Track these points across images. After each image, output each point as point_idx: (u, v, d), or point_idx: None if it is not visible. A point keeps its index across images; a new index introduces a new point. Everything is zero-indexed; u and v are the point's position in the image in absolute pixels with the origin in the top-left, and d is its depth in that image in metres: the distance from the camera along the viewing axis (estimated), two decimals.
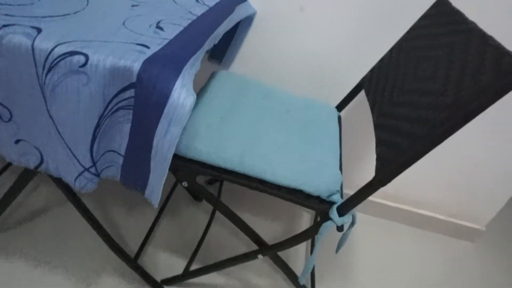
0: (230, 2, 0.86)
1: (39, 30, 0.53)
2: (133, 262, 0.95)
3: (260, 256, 0.88)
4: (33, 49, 0.52)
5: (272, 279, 1.06)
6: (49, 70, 0.52)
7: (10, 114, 0.58)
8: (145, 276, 0.97)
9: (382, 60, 0.92)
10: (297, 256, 1.15)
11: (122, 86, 0.54)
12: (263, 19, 1.01)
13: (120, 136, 0.59)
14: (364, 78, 0.96)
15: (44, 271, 0.95)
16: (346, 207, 0.71)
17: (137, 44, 0.57)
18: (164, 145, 0.55)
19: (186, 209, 1.22)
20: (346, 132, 1.13)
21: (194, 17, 0.72)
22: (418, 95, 0.68)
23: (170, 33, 0.63)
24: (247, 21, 0.98)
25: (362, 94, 0.98)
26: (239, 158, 0.73)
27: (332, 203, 0.75)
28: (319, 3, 0.96)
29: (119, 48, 0.54)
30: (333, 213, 0.72)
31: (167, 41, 0.60)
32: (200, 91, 0.89)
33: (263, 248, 0.87)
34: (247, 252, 0.88)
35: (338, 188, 0.75)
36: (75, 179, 0.62)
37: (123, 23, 0.62)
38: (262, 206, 1.30)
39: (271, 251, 0.87)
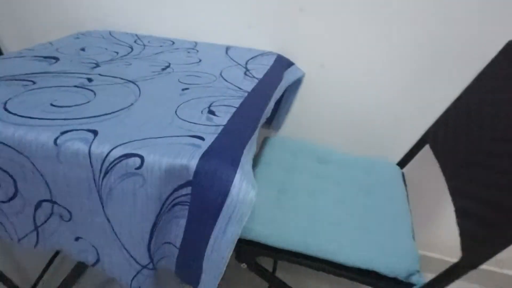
0: (279, 69, 0.84)
1: (95, 133, 0.53)
2: None
3: None
4: (90, 155, 0.51)
5: None
6: (106, 173, 0.51)
7: (70, 214, 0.58)
8: None
9: (448, 112, 0.83)
10: None
11: (178, 183, 0.51)
12: (309, 77, 0.98)
13: (177, 229, 0.57)
14: (428, 132, 0.88)
15: None
16: None
17: (191, 136, 0.55)
18: (222, 245, 0.51)
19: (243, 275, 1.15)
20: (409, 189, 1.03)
21: (245, 94, 0.70)
22: (503, 157, 0.59)
23: (223, 117, 0.61)
24: (296, 83, 0.95)
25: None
26: (303, 239, 0.67)
27: (411, 284, 0.65)
28: (373, 51, 0.91)
29: (174, 144, 0.52)
30: None
31: (221, 128, 0.57)
32: (254, 162, 0.86)
33: None
34: None
35: (418, 268, 0.65)
36: (132, 279, 0.60)
37: (175, 112, 0.61)
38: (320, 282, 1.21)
39: None
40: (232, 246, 0.51)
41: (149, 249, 0.56)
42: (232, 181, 0.49)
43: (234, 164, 0.50)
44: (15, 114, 0.57)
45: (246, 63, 0.86)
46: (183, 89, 0.71)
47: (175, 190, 0.52)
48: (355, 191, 0.82)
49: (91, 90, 0.66)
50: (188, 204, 0.53)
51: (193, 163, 0.49)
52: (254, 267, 0.73)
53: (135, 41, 0.96)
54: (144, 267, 0.58)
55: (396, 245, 0.70)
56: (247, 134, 0.56)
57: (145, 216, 0.52)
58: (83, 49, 0.87)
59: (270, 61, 0.88)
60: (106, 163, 0.51)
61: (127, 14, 1.04)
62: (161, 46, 0.94)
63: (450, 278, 0.59)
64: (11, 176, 0.57)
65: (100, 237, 0.58)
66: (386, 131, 1.01)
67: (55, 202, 0.57)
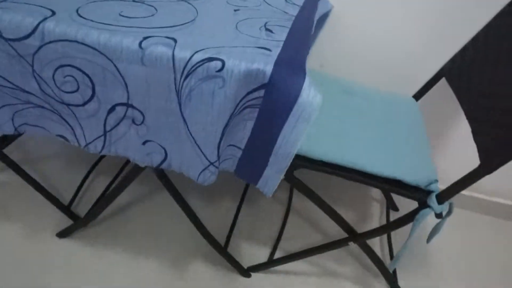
0: (313, 0, 0.89)
1: (175, 40, 0.58)
2: (224, 250, 1.01)
3: (351, 244, 0.91)
4: (173, 58, 0.56)
5: (351, 267, 1.10)
6: (187, 76, 0.57)
7: (143, 117, 0.64)
8: (234, 263, 1.03)
9: (465, 49, 0.92)
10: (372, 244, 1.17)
11: (252, 87, 0.58)
12: (335, 11, 1.03)
13: (243, 132, 0.64)
14: (445, 67, 0.96)
15: (140, 260, 1.03)
16: (446, 195, 0.73)
17: (259, 47, 0.61)
18: (290, 140, 0.59)
19: (262, 200, 1.26)
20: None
21: (292, 17, 0.76)
22: None
23: (280, 34, 0.67)
24: (323, 16, 1.00)
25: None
26: (340, 152, 0.76)
27: (430, 191, 0.76)
28: None
29: (247, 52, 0.58)
30: (432, 201, 0.74)
31: (282, 42, 0.63)
32: None
33: (354, 235, 0.90)
34: (339, 240, 0.92)
35: (436, 178, 0.77)
36: (200, 174, 0.68)
37: (236, 28, 0.66)
38: (332, 198, 1.33)
39: (361, 238, 0.90)
40: (299, 142, 0.59)
41: (218, 148, 0.64)
42: (302, 85, 0.56)
43: (303, 71, 0.57)
44: (91, 20, 0.61)
45: None
46: (235, 10, 0.75)
47: (249, 93, 0.58)
48: (378, 118, 0.91)
49: (151, 6, 0.70)
50: (258, 106, 0.60)
51: (269, 68, 0.56)
52: (291, 179, 0.82)
53: None
54: (211, 163, 0.66)
55: (417, 159, 0.80)
56: (305, 48, 0.63)
57: (220, 115, 0.59)
58: None
59: None
60: (189, 66, 0.56)
61: None
62: None
63: (468, 183, 0.70)
64: (90, 79, 0.62)
65: (171, 136, 0.65)
66: (404, 68, 1.09)
67: (130, 105, 0.63)
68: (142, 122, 0.65)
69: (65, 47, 0.59)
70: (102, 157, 1.31)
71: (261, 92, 0.58)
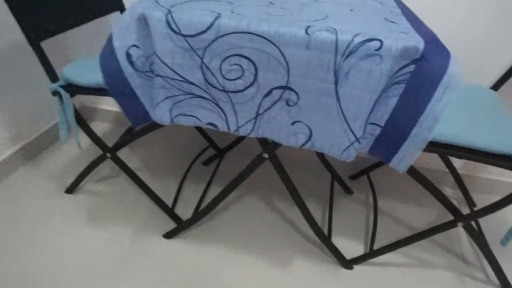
0: None
1: (333, 28, 0.68)
2: (329, 240, 1.07)
3: (460, 224, 0.96)
4: (337, 41, 0.66)
5: (446, 257, 1.14)
6: (348, 55, 0.67)
7: (298, 98, 0.73)
8: (338, 254, 1.07)
9: None
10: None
11: (404, 63, 0.67)
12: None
13: (384, 108, 0.72)
14: None
15: (239, 256, 1.09)
16: None
17: (399, 32, 0.70)
18: (437, 110, 0.67)
19: (341, 201, 1.33)
20: None
21: (399, 13, 0.87)
22: None
23: (404, 24, 0.77)
24: None
25: None
26: (454, 132, 0.82)
27: None
28: None
29: (394, 35, 0.67)
30: None
31: (411, 29, 0.73)
32: None
33: (461, 216, 0.95)
34: (447, 222, 0.97)
35: None
36: (344, 151, 0.75)
37: (366, 21, 0.77)
38: (399, 194, 1.38)
39: (470, 218, 0.95)
40: (444, 110, 0.67)
41: (366, 123, 0.72)
42: (449, 57, 0.65)
43: (445, 47, 0.66)
44: (250, 17, 0.71)
45: None
46: (351, 10, 0.86)
47: (400, 69, 0.67)
48: (467, 107, 0.99)
49: (283, 8, 0.81)
50: (405, 82, 0.69)
51: (421, 44, 0.65)
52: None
53: None
54: (357, 139, 0.73)
55: None
56: (432, 34, 0.72)
57: (374, 90, 0.68)
58: None
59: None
60: (351, 47, 0.66)
61: None
62: None
63: None
64: (255, 66, 0.71)
65: (320, 116, 0.73)
66: (479, 59, 1.17)
67: (288, 87, 0.72)
68: (296, 103, 0.74)
69: (237, 39, 0.69)
70: (191, 165, 1.39)
71: (411, 68, 0.67)
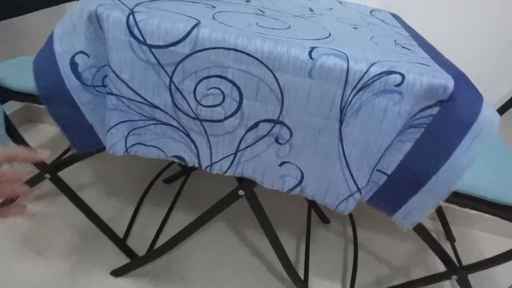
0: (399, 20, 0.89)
1: (343, 53, 0.53)
2: (306, 286, 0.93)
3: (454, 277, 0.86)
4: (348, 70, 0.52)
5: None
6: (360, 89, 0.52)
7: (290, 135, 0.58)
8: None
9: None
10: None
11: (428, 103, 0.54)
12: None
13: (394, 155, 0.59)
14: None
15: None
16: None
17: (420, 63, 0.57)
18: (461, 162, 0.55)
19: (318, 232, 1.20)
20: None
21: (407, 34, 0.74)
22: None
23: (418, 51, 0.64)
24: None
25: None
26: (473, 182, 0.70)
27: None
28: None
29: (416, 68, 0.54)
30: None
31: (429, 60, 0.60)
32: None
33: (455, 268, 0.85)
34: (440, 273, 0.87)
35: None
36: (341, 202, 0.61)
37: (376, 44, 0.63)
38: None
39: (463, 272, 0.85)
40: (471, 164, 0.55)
41: (372, 171, 0.58)
42: (482, 101, 0.52)
43: (475, 87, 0.54)
44: (239, 28, 0.55)
45: (371, 12, 0.90)
46: (354, 28, 0.72)
47: (421, 110, 0.54)
48: None
49: (275, 18, 0.66)
50: (424, 126, 0.56)
51: (451, 83, 0.52)
52: None
53: None
54: (358, 190, 0.60)
55: None
56: (458, 70, 0.60)
57: (387, 134, 0.54)
58: None
59: (389, 15, 0.93)
60: (365, 78, 0.52)
61: None
62: None
63: None
64: (240, 91, 0.56)
65: (315, 158, 0.59)
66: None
67: (280, 122, 0.57)
68: (287, 141, 0.59)
69: (219, 56, 0.53)
70: (151, 184, 1.20)
71: (434, 110, 0.54)
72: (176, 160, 0.64)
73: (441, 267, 1.08)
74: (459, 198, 0.68)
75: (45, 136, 1.38)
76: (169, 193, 1.21)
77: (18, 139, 0.83)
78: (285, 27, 0.62)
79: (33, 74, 0.58)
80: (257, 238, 1.12)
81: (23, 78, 0.77)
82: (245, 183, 0.73)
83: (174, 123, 0.60)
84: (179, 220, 1.11)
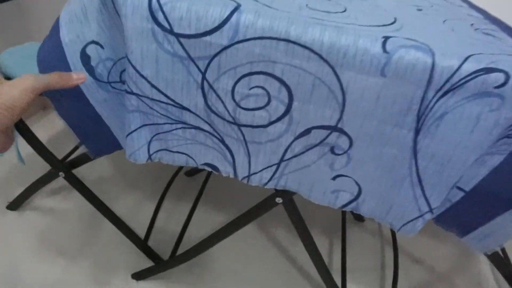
0: None
1: (426, 45, 0.41)
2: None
3: None
4: (433, 67, 0.40)
5: None
6: (447, 92, 0.41)
7: (350, 145, 0.47)
8: None
9: None
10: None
11: None
12: None
13: (476, 169, 0.48)
14: None
15: None
16: None
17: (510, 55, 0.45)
18: None
19: (352, 231, 1.10)
20: None
21: (481, 16, 0.61)
22: None
23: (505, 39, 0.51)
24: None
25: None
26: None
27: None
28: None
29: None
30: None
31: None
32: None
33: None
34: None
35: None
36: (407, 222, 0.51)
37: (453, 30, 0.51)
38: None
39: None
40: None
41: (450, 190, 0.47)
42: None
43: None
44: (284, 11, 0.44)
45: None
46: (418, 9, 0.59)
47: None
48: None
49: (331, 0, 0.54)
50: None
51: None
52: None
53: None
54: (430, 210, 0.49)
55: None
56: None
57: (476, 147, 0.43)
58: None
59: None
60: (455, 79, 0.40)
61: None
62: None
63: None
64: (290, 92, 0.44)
65: (377, 172, 0.48)
66: None
67: (338, 129, 0.46)
68: (345, 152, 0.48)
69: (265, 48, 0.42)
70: (173, 177, 1.11)
71: None
72: (207, 168, 0.54)
73: (486, 273, 0.98)
74: None
75: (60, 124, 1.29)
76: (191, 187, 1.12)
77: (29, 138, 0.74)
78: (341, 10, 0.49)
79: (38, 68, 0.48)
80: (286, 238, 1.03)
81: (30, 68, 0.68)
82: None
83: (207, 127, 0.49)
84: (204, 218, 1.03)
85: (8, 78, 0.68)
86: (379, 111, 0.44)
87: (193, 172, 1.17)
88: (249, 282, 0.90)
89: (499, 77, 0.39)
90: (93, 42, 0.46)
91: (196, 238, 0.93)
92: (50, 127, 1.29)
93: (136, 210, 1.02)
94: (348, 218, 1.13)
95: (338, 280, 0.90)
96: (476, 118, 0.41)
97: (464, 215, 0.52)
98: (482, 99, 0.40)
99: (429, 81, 0.40)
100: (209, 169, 0.54)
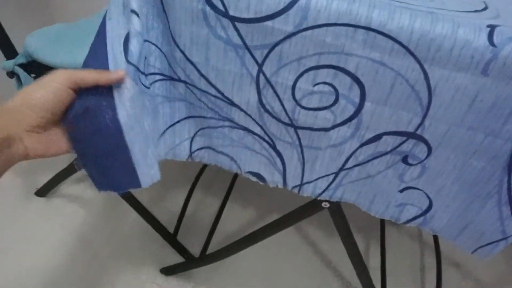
0: None
1: None
2: None
3: None
4: None
5: None
6: None
7: (428, 154, 0.40)
8: None
9: None
10: None
11: None
12: None
13: None
14: None
15: None
16: None
17: None
18: None
19: (390, 233, 1.03)
20: None
21: None
22: None
23: None
24: None
25: None
26: None
27: None
28: None
29: None
30: None
31: None
32: None
33: None
34: None
35: None
36: (485, 245, 0.43)
37: None
38: None
39: None
40: None
41: None
42: None
43: None
44: None
45: None
46: None
47: None
48: None
49: None
50: None
51: None
52: None
53: None
54: None
55: None
56: None
57: None
58: None
59: None
60: None
61: None
62: None
63: None
64: (363, 90, 0.37)
65: (455, 186, 0.42)
66: None
67: (416, 136, 0.39)
68: (421, 162, 0.40)
69: (339, 37, 0.34)
70: (202, 171, 1.06)
71: None
72: (252, 177, 0.48)
73: None
74: None
75: None
76: (222, 179, 1.07)
77: None
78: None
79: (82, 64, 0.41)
80: (317, 236, 0.96)
81: (58, 51, 0.63)
82: None
83: (257, 129, 0.43)
84: (234, 212, 0.98)
85: (35, 61, 0.63)
86: (471, 116, 0.36)
87: None
88: (279, 285, 0.85)
89: None
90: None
91: (226, 234, 0.88)
92: None
93: (165, 202, 0.98)
94: (386, 221, 1.06)
95: (376, 284, 0.84)
96: None
97: None
98: None
99: None
100: (254, 179, 0.48)
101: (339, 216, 0.63)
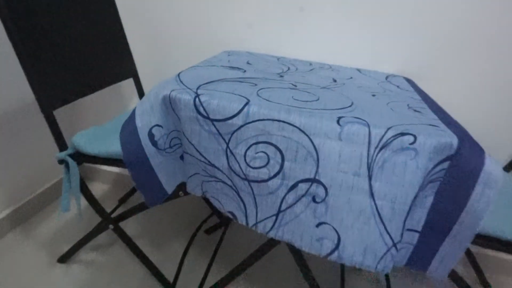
0: (414, 86, 1.02)
1: (364, 121, 0.67)
2: None
3: None
4: (369, 133, 0.65)
5: None
6: (382, 148, 0.65)
7: (326, 193, 0.69)
8: None
9: None
10: None
11: (439, 159, 0.65)
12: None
13: (421, 211, 0.67)
14: None
15: None
16: None
17: (429, 124, 0.69)
18: (479, 205, 0.63)
19: (351, 279, 1.22)
20: None
21: (419, 98, 0.87)
22: None
23: (429, 114, 0.76)
24: None
25: None
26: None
27: None
28: None
29: (426, 129, 0.66)
30: None
31: (439, 121, 0.72)
32: None
33: None
34: None
35: None
36: (380, 259, 0.67)
37: (392, 110, 0.76)
38: None
39: None
40: (487, 209, 0.64)
41: (404, 224, 0.66)
42: (484, 153, 0.64)
43: (477, 143, 0.65)
44: (278, 103, 0.70)
45: (387, 78, 1.04)
46: (372, 95, 0.86)
47: (435, 166, 0.65)
48: None
49: (307, 92, 0.81)
50: (440, 179, 0.66)
51: (455, 140, 0.63)
52: None
53: (278, 60, 1.13)
54: (394, 245, 0.66)
55: None
56: (461, 129, 0.71)
57: (411, 186, 0.63)
58: (249, 63, 1.02)
59: (403, 80, 1.07)
60: (384, 140, 0.64)
61: (266, 36, 1.22)
62: (308, 65, 1.11)
63: None
64: (282, 154, 0.68)
65: (350, 217, 0.66)
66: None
67: (316, 180, 0.67)
68: (323, 200, 0.68)
69: (265, 126, 0.67)
70: (194, 235, 1.32)
71: (445, 165, 0.65)
72: (230, 216, 0.76)
73: None
74: (484, 240, 0.74)
75: (96, 193, 1.54)
76: (210, 243, 1.32)
77: (88, 196, 0.98)
78: (315, 99, 0.76)
79: (120, 145, 0.74)
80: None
81: (96, 145, 0.94)
82: None
83: (229, 182, 0.73)
84: (221, 268, 1.20)
85: (82, 154, 0.94)
86: (342, 164, 0.67)
87: (210, 230, 1.38)
88: None
89: (410, 138, 0.64)
90: (157, 125, 0.73)
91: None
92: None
93: (163, 265, 1.20)
94: (348, 268, 1.28)
95: None
96: (404, 164, 0.64)
97: (422, 251, 0.69)
98: (404, 151, 0.64)
99: (369, 142, 0.65)
100: (231, 216, 0.76)
101: (295, 252, 0.88)
